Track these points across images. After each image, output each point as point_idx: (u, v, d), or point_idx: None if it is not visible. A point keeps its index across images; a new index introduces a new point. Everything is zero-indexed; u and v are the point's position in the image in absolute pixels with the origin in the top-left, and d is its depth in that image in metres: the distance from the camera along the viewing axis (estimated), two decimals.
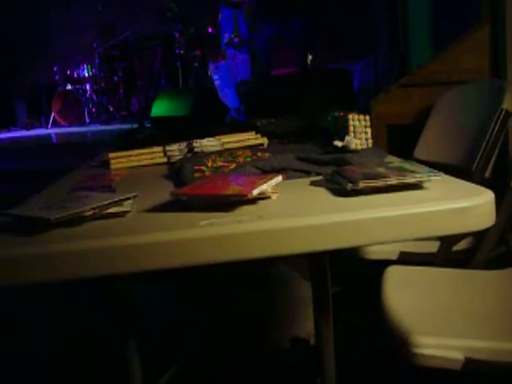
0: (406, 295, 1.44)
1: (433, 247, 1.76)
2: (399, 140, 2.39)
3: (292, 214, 0.90)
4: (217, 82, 6.51)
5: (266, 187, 0.97)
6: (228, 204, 0.94)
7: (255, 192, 0.93)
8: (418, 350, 1.15)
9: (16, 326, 2.80)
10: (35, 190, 1.36)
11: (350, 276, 2.29)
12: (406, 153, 2.07)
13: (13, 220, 0.99)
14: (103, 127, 7.22)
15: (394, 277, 1.53)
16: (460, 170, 1.79)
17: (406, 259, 1.74)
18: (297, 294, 2.66)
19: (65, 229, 0.91)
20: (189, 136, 1.73)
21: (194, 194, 1.00)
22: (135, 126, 4.80)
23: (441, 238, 1.73)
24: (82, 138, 6.33)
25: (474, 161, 1.76)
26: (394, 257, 1.75)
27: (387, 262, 1.64)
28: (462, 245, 1.80)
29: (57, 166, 4.62)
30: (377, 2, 6.37)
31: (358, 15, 7.21)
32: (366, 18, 6.95)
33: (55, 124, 7.90)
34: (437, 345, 1.16)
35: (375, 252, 1.77)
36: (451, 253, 1.76)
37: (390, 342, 1.25)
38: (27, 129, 8.14)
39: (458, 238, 1.75)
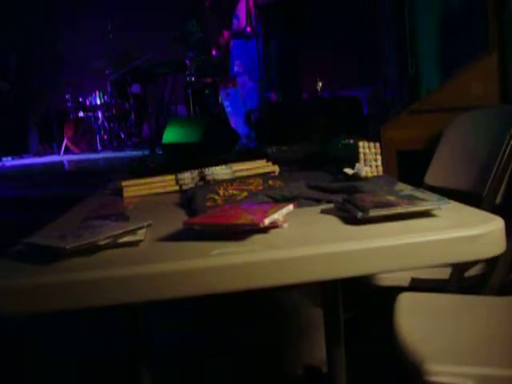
0: (419, 322, 1.44)
1: (445, 273, 1.76)
2: (410, 166, 2.40)
3: (303, 243, 0.91)
4: (228, 109, 6.56)
5: (277, 216, 0.99)
6: (240, 233, 0.95)
7: (267, 221, 0.94)
8: (431, 378, 1.14)
9: (29, 349, 2.80)
10: (48, 217, 1.38)
11: (361, 303, 2.29)
12: (417, 178, 2.08)
13: (29, 248, 1.01)
14: (115, 154, 7.27)
15: (406, 303, 1.52)
16: (471, 196, 1.79)
17: (417, 285, 1.74)
18: (308, 320, 2.65)
19: (80, 258, 0.93)
20: (200, 163, 1.74)
21: (206, 224, 1.01)
22: (147, 152, 4.84)
23: (452, 264, 1.73)
24: (93, 165, 6.37)
25: (485, 186, 1.77)
26: (406, 283, 1.75)
27: (399, 289, 1.64)
28: (474, 270, 1.79)
29: (69, 193, 4.65)
30: (386, 28, 6.42)
31: (367, 41, 7.28)
32: (375, 44, 7.01)
33: (67, 151, 7.97)
34: (449, 372, 1.15)
35: (387, 278, 1.77)
36: (463, 279, 1.75)
37: (403, 369, 1.24)
38: (39, 155, 8.22)
39: (469, 264, 1.75)
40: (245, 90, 6.20)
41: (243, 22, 5.96)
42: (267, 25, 5.65)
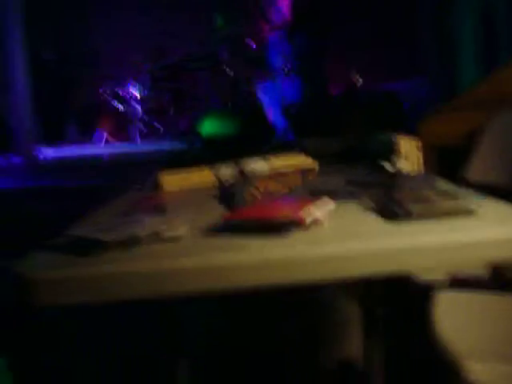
0: (457, 320, 1.42)
1: (483, 272, 1.73)
2: (448, 162, 2.36)
3: (342, 239, 0.90)
4: (264, 102, 6.55)
5: (318, 214, 0.98)
6: (280, 228, 0.95)
7: (307, 218, 0.93)
8: (471, 377, 1.13)
9: (66, 343, 2.83)
10: (85, 209, 1.39)
11: (398, 299, 2.27)
12: (455, 174, 2.05)
13: (70, 241, 1.02)
14: (153, 146, 7.31)
15: (445, 301, 1.51)
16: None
17: (456, 284, 1.71)
18: (345, 316, 2.64)
19: (120, 251, 0.94)
20: (238, 156, 1.74)
21: (246, 218, 1.01)
22: (185, 145, 4.87)
23: (492, 263, 1.70)
24: (132, 157, 6.42)
25: None
26: (444, 281, 1.73)
27: (437, 287, 1.62)
28: None
29: (107, 185, 4.70)
30: (426, 22, 6.33)
31: (407, 35, 7.20)
32: (416, 38, 6.92)
33: (106, 142, 8.04)
34: (490, 372, 1.14)
35: (425, 276, 1.75)
36: (502, 278, 1.72)
37: (441, 367, 1.23)
38: (78, 146, 8.31)
39: (509, 263, 1.72)
40: (284, 83, 6.17)
41: (285, 15, 5.94)
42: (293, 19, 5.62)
